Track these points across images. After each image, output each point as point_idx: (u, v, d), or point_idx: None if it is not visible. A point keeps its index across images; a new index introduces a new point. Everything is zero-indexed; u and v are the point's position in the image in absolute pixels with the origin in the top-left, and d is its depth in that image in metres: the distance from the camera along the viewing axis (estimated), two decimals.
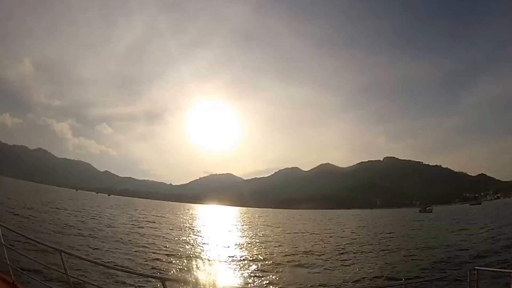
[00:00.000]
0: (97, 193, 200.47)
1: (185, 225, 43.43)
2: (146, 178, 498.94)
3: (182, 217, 60.93)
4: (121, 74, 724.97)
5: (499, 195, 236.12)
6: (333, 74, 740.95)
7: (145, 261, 16.25)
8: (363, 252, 22.36)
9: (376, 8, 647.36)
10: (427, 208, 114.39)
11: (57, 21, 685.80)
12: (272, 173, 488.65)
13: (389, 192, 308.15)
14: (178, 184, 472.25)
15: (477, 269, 5.84)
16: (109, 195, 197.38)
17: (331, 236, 34.11)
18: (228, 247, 23.95)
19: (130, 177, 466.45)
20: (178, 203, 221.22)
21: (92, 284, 8.17)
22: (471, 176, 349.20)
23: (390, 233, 37.62)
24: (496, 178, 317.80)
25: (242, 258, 19.25)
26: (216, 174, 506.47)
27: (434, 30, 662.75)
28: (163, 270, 14.57)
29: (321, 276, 15.34)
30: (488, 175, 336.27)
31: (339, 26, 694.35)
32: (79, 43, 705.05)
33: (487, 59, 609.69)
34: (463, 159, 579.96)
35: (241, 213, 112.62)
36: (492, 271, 7.57)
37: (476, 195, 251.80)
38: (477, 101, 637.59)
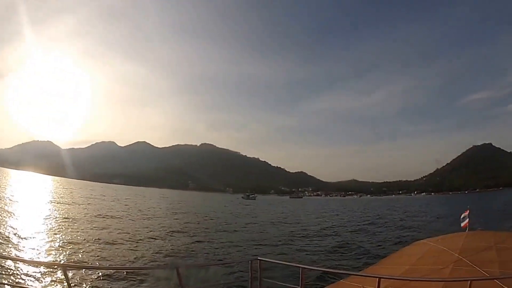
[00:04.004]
0: None
1: None
2: None
3: None
4: None
5: (319, 192, 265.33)
6: (178, 60, 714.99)
7: None
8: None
9: (244, 6, 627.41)
10: (250, 195, 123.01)
11: None
12: (89, 145, 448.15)
13: (203, 176, 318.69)
14: (2, 148, 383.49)
15: (259, 259, 5.78)
16: None
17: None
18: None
19: None
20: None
21: None
22: (289, 172, 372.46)
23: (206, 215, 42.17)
24: (317, 178, 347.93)
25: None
26: (38, 140, 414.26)
27: (294, 40, 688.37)
28: None
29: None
30: (308, 173, 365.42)
31: (202, 16, 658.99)
32: None
33: (339, 77, 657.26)
34: (283, 156, 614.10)
35: (50, 183, 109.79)
36: (275, 262, 7.05)
37: (294, 189, 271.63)
38: (317, 110, 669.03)
